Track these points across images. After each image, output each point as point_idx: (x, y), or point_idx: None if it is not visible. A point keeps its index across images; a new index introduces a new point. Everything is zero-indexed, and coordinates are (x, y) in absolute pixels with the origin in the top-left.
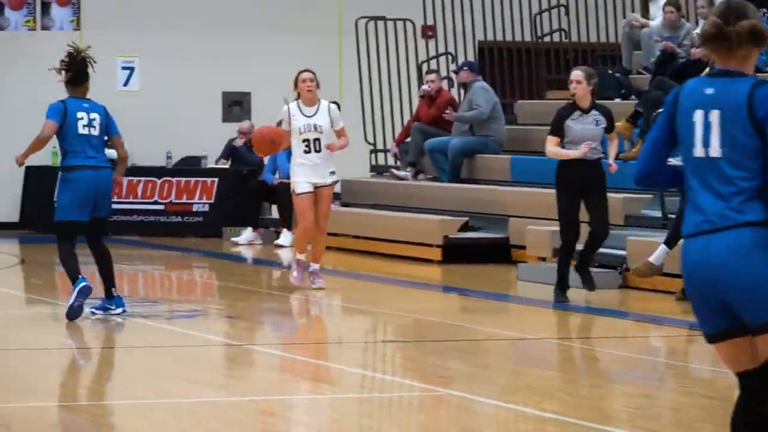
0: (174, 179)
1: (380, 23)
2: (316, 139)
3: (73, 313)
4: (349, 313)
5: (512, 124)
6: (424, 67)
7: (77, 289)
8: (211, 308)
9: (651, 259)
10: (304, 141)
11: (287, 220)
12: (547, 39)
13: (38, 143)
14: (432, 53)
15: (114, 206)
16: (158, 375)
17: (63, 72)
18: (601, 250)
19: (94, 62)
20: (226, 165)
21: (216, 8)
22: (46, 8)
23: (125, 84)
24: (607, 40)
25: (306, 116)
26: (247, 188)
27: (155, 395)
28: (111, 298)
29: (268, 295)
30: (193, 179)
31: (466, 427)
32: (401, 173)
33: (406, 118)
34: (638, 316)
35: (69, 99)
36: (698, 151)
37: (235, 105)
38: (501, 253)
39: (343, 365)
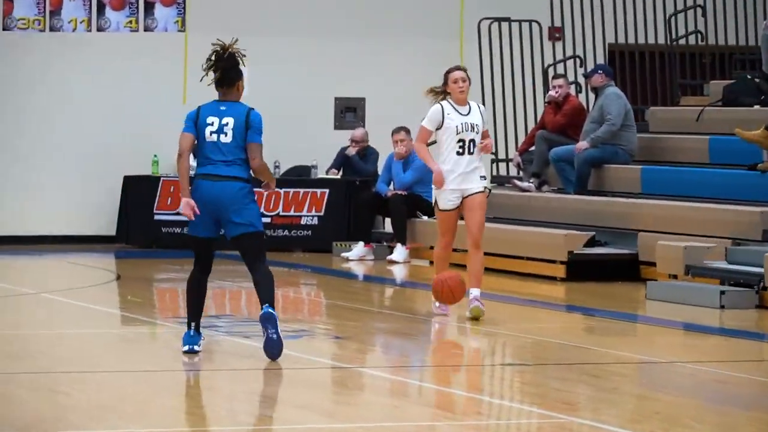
0: (281, 190)
1: (504, 25)
2: (472, 140)
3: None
4: (465, 333)
5: (644, 132)
6: (551, 72)
7: (184, 348)
8: (318, 328)
9: None
10: (459, 142)
11: (401, 235)
12: (682, 42)
13: (178, 162)
14: (559, 56)
15: None
16: (262, 399)
17: (209, 73)
18: (738, 267)
19: (244, 56)
20: (337, 175)
21: (328, 10)
22: (149, 8)
23: None
24: (747, 42)
25: (462, 115)
26: (359, 200)
27: (258, 421)
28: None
29: (380, 314)
30: (301, 190)
31: None
32: (524, 184)
33: (530, 125)
34: None
35: (206, 104)
36: None
37: (349, 111)
38: (629, 270)
39: (459, 390)
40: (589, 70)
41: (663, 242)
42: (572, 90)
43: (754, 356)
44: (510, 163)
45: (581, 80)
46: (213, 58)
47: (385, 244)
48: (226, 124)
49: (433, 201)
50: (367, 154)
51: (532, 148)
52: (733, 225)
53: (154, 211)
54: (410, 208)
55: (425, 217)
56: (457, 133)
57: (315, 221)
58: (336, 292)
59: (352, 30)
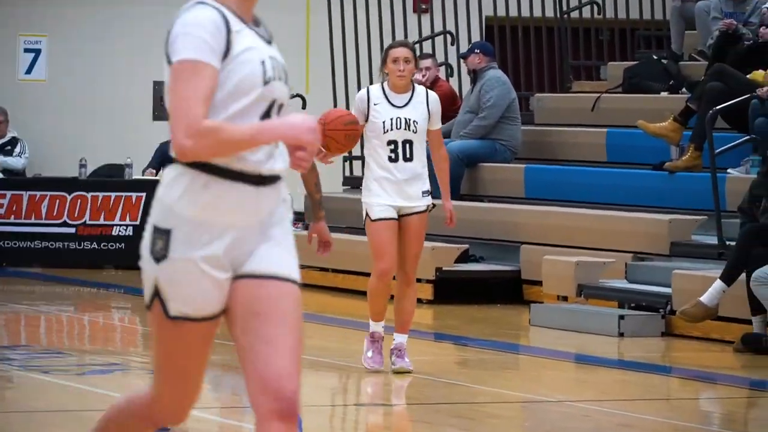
0: (88, 194)
1: None
2: (407, 142)
3: None
4: (312, 367)
5: (528, 123)
6: (416, 50)
7: None
8: (133, 361)
9: (703, 298)
10: (389, 144)
11: None
12: (574, 15)
13: None
14: (426, 32)
15: (9, 229)
16: None
17: None
18: (640, 287)
19: None
20: (155, 176)
21: None
22: None
23: (28, 71)
24: (652, 16)
25: (395, 106)
26: None
27: None
28: None
29: None
30: (113, 194)
31: None
32: None
33: None
34: (685, 372)
35: None
36: None
37: None
38: (510, 290)
39: None
40: (464, 48)
41: (550, 257)
42: (442, 73)
43: (660, 393)
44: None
45: (453, 61)
46: None
47: None
48: None
49: (364, 213)
50: None
51: None
52: (635, 236)
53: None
54: None
55: None
56: (385, 132)
57: (129, 232)
58: None
59: (175, 1)
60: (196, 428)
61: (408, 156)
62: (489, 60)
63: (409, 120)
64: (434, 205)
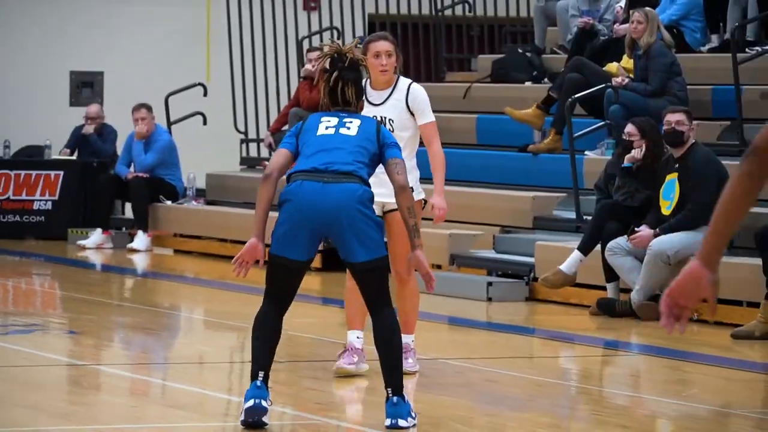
0: (12, 172)
1: None
2: None
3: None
4: (212, 328)
5: None
6: (306, 44)
7: (245, 407)
8: (51, 322)
9: (562, 267)
10: None
11: (143, 221)
12: (448, 12)
13: (261, 186)
14: (315, 28)
15: None
16: None
17: (322, 83)
18: (506, 257)
19: (364, 65)
20: (71, 156)
21: None
22: None
23: None
24: (518, 14)
25: (373, 104)
26: (96, 183)
27: None
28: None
29: (119, 307)
30: (33, 172)
31: None
32: None
33: (284, 102)
34: (546, 333)
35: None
36: None
37: (85, 86)
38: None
39: (205, 389)
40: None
41: (425, 230)
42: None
43: (524, 353)
44: (261, 144)
45: None
46: (328, 65)
47: (124, 230)
48: (350, 122)
49: None
50: (104, 132)
51: (286, 127)
52: (502, 211)
53: None
54: (152, 192)
55: (169, 202)
56: None
57: (48, 206)
58: (71, 283)
59: None
60: (109, 383)
61: None
62: None
63: (384, 118)
64: (425, 201)
